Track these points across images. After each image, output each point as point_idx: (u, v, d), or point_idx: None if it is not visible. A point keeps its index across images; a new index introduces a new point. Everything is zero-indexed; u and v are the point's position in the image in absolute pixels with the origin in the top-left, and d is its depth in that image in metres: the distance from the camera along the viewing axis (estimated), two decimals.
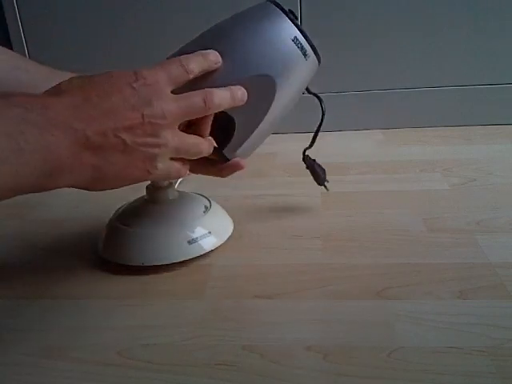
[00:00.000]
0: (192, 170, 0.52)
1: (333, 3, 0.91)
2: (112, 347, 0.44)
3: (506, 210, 0.63)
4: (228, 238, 0.59)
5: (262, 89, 0.47)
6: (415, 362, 0.40)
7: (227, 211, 0.63)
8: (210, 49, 0.45)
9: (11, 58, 0.56)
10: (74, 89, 0.38)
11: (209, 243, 0.56)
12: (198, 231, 0.56)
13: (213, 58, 0.44)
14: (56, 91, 0.38)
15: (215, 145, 0.48)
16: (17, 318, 0.49)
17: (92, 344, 0.45)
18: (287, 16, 0.47)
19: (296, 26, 0.47)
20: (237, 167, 0.50)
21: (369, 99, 0.97)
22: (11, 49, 0.99)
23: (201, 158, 0.47)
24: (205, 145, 0.45)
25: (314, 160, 0.63)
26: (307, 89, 0.55)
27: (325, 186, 0.64)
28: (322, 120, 0.58)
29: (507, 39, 0.91)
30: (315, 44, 0.48)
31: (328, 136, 0.93)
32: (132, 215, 0.59)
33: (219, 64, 0.45)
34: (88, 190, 0.40)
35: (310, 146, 0.61)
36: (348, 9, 0.92)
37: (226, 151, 0.49)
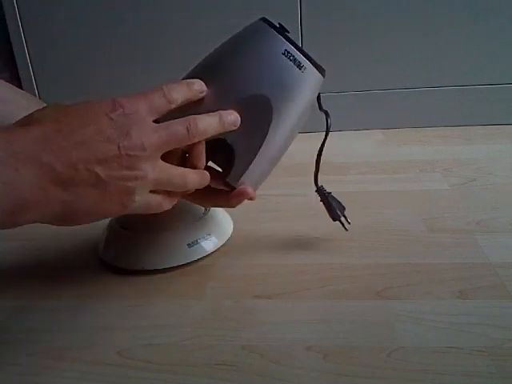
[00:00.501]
0: (200, 203, 0.52)
1: (333, 3, 0.91)
2: (112, 347, 0.44)
3: (506, 210, 0.63)
4: (228, 239, 0.59)
5: (257, 110, 0.44)
6: (415, 361, 0.40)
7: (227, 212, 0.63)
8: (200, 77, 0.43)
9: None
10: (47, 119, 0.36)
11: (209, 245, 0.56)
12: (198, 233, 0.56)
13: (197, 87, 0.42)
14: (27, 121, 0.37)
15: (209, 176, 0.45)
16: (17, 319, 0.49)
17: (92, 344, 0.45)
18: (276, 30, 0.44)
19: (286, 39, 0.44)
20: (244, 195, 0.47)
21: (369, 99, 0.97)
22: (11, 48, 0.99)
23: (209, 189, 0.45)
24: (191, 176, 0.42)
25: (330, 193, 0.57)
26: (319, 105, 0.52)
27: (341, 222, 0.57)
28: (325, 137, 0.55)
29: (507, 39, 0.91)
30: (315, 56, 0.45)
31: (328, 136, 0.92)
32: (131, 218, 0.59)
33: (204, 93, 0.43)
34: (57, 225, 0.38)
35: (317, 170, 0.56)
36: (348, 9, 0.92)
37: (230, 179, 0.46)
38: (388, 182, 0.74)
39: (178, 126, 0.40)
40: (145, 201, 0.40)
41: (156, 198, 0.41)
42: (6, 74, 1.00)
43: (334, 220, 0.56)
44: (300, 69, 0.44)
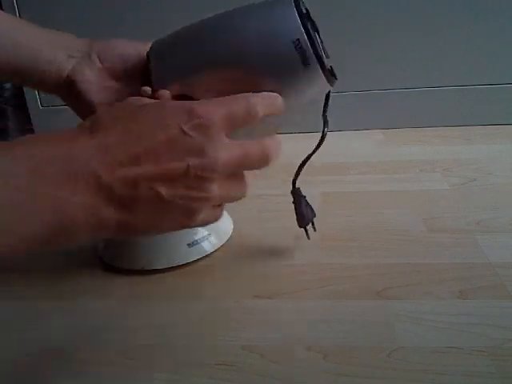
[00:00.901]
0: None
1: (333, 3, 0.91)
2: (112, 347, 0.44)
3: (506, 210, 0.63)
4: (228, 239, 0.59)
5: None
6: (415, 361, 0.40)
7: (227, 211, 0.63)
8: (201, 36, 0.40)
9: (5, 20, 0.49)
10: (115, 125, 0.32)
11: (209, 245, 0.56)
12: (198, 233, 0.56)
13: (280, 102, 0.38)
14: (91, 125, 0.32)
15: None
16: (18, 319, 0.49)
17: (92, 344, 0.45)
18: (298, 14, 0.40)
19: (305, 28, 0.39)
20: None
21: (369, 99, 0.97)
22: None
23: None
24: (247, 188, 0.37)
25: (305, 197, 0.54)
26: (324, 110, 0.49)
27: (306, 231, 0.55)
28: (318, 145, 0.52)
29: (507, 39, 0.91)
30: (331, 63, 0.42)
31: (328, 136, 0.92)
32: None
33: (281, 112, 0.38)
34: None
35: (297, 173, 0.54)
36: (348, 9, 0.92)
37: None
38: (388, 181, 0.74)
39: (253, 148, 0.34)
40: (206, 218, 0.36)
41: (215, 213, 0.37)
42: None
43: (300, 227, 0.55)
44: (304, 65, 0.39)
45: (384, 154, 0.86)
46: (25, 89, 1.02)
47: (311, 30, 0.40)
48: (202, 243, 0.56)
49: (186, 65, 0.43)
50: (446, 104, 0.96)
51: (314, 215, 0.55)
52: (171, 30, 0.47)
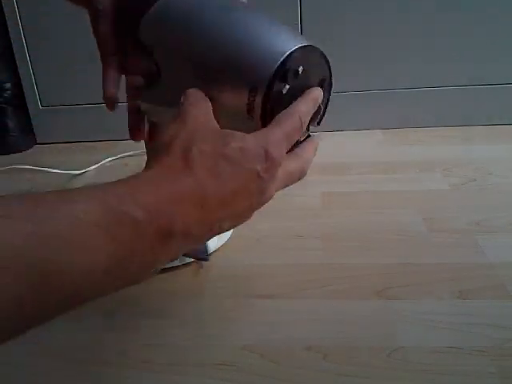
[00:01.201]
0: None
1: (333, 3, 0.91)
2: (112, 347, 0.44)
3: (506, 210, 0.63)
4: (228, 239, 0.59)
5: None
6: (415, 361, 0.40)
7: None
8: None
9: None
10: (198, 165, 0.31)
11: (209, 245, 0.56)
12: None
13: (320, 98, 0.38)
14: (184, 158, 0.32)
15: None
16: None
17: (92, 344, 0.45)
18: (276, 72, 0.35)
19: (269, 86, 0.35)
20: None
21: (369, 99, 0.97)
22: (11, 47, 0.99)
23: None
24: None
25: None
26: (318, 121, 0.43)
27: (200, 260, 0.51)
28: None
29: (507, 39, 0.91)
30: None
31: (328, 136, 0.93)
32: None
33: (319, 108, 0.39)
34: None
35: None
36: (348, 9, 0.92)
37: None
38: (388, 181, 0.74)
39: (296, 172, 0.37)
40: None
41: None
42: (6, 74, 1.00)
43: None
44: (248, 113, 0.37)
45: (384, 154, 0.86)
46: (25, 89, 1.02)
47: (283, 89, 0.36)
48: None
49: (170, 46, 0.41)
50: (446, 104, 0.96)
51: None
52: None
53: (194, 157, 0.32)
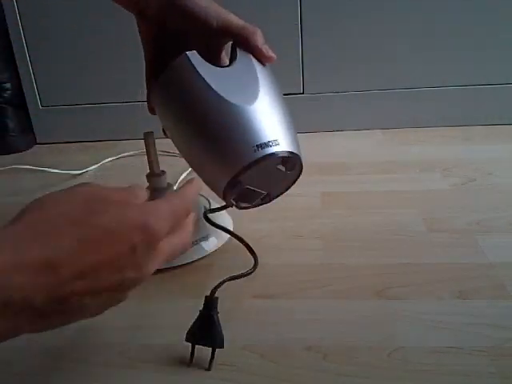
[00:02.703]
0: None
1: (333, 3, 0.91)
2: (112, 347, 0.44)
3: (506, 210, 0.63)
4: (228, 239, 0.59)
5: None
6: (415, 361, 0.40)
7: (227, 211, 0.62)
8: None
9: None
10: (67, 229, 0.29)
11: (209, 245, 0.56)
12: (198, 233, 0.56)
13: (198, 189, 0.39)
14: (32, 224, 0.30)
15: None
16: None
17: (92, 344, 0.45)
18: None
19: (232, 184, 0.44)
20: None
21: (369, 99, 0.97)
22: (10, 47, 0.99)
23: None
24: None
25: (218, 312, 0.44)
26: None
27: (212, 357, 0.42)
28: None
29: (507, 39, 0.91)
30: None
31: (328, 136, 0.93)
32: None
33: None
34: None
35: (214, 210, 0.52)
36: (348, 9, 0.92)
37: None
38: (388, 181, 0.74)
39: (177, 247, 0.35)
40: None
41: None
42: (6, 74, 1.00)
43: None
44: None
45: (384, 153, 0.86)
46: (25, 89, 1.02)
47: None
48: (202, 243, 0.56)
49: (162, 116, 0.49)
50: (446, 104, 0.96)
51: (222, 344, 0.42)
52: None
53: (52, 222, 0.30)
